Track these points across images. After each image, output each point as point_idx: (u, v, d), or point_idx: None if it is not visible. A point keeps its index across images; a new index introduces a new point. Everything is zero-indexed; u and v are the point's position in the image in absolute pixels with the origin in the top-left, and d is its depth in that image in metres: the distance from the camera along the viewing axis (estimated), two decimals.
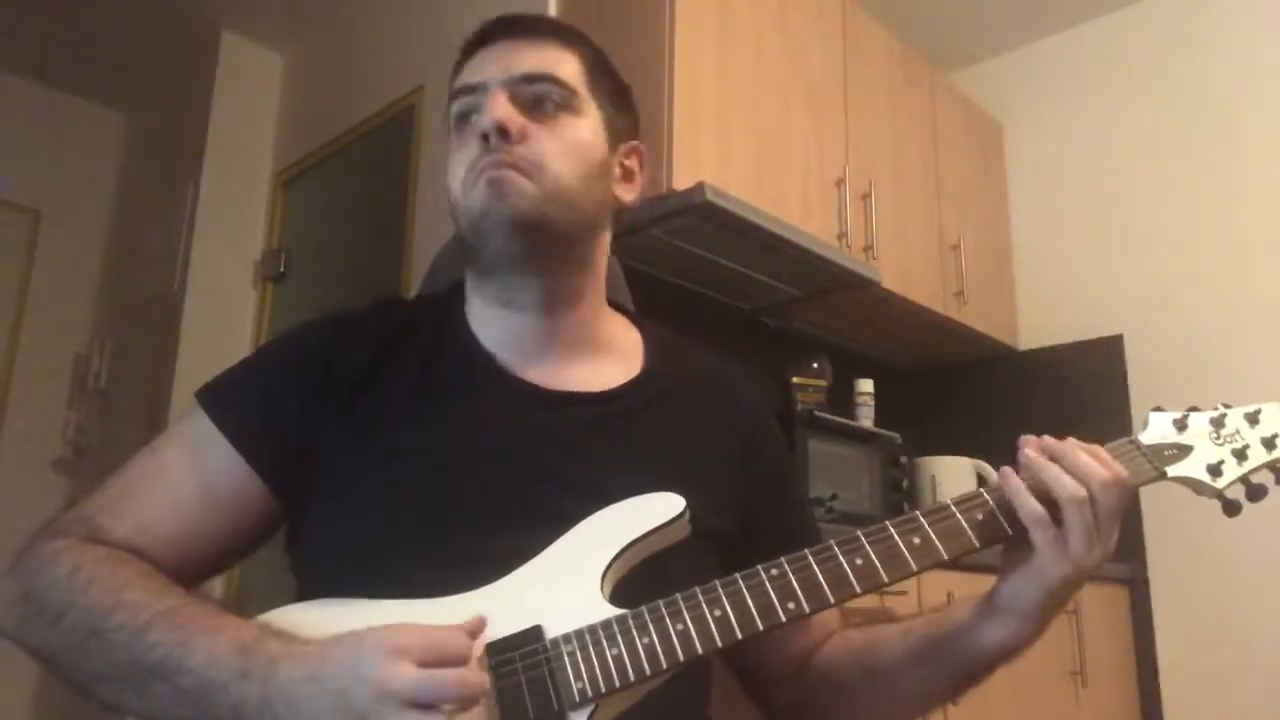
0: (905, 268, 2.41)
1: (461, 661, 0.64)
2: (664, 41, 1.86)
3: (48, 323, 3.19)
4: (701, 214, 1.82)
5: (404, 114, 2.48)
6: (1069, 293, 2.76)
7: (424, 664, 0.62)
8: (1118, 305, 2.64)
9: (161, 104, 3.24)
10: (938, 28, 2.87)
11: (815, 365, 2.44)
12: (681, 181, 1.78)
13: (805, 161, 2.16)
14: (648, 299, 1.16)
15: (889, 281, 2.28)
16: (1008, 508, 0.75)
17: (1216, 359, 2.44)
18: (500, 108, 0.81)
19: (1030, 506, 0.72)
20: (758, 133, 2.04)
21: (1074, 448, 0.74)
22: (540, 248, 0.83)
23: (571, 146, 0.84)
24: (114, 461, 2.77)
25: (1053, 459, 0.74)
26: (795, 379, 2.33)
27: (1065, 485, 0.72)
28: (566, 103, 0.85)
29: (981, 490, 0.77)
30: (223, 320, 2.78)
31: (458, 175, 0.84)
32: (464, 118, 0.86)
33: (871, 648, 0.88)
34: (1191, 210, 2.57)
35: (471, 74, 0.87)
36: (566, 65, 0.86)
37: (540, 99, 0.84)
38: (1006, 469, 0.75)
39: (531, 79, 0.84)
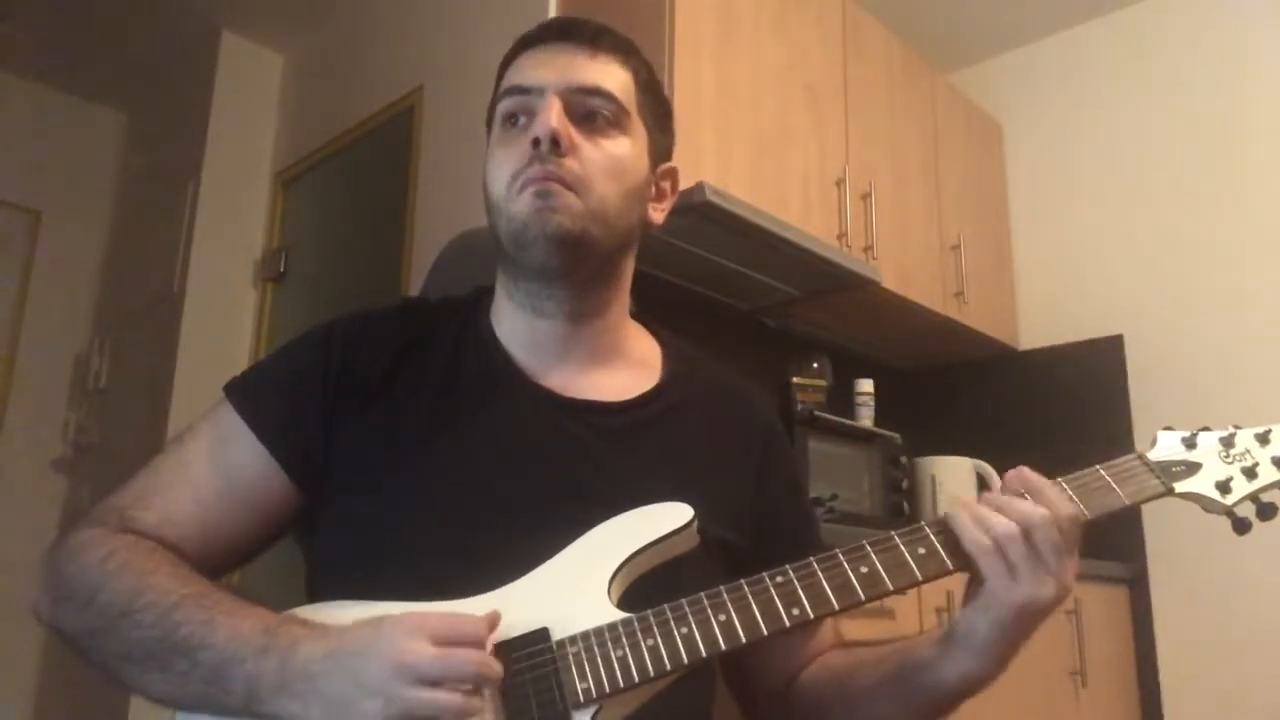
0: (905, 268, 2.41)
1: (477, 645, 0.65)
2: (664, 41, 1.85)
3: (48, 323, 3.19)
4: (701, 214, 1.82)
5: (404, 114, 2.48)
6: (1069, 293, 2.76)
7: (440, 644, 0.63)
8: (1118, 305, 2.64)
9: (161, 104, 3.24)
10: (938, 28, 2.87)
11: (815, 365, 2.44)
12: (681, 181, 1.78)
13: (805, 161, 2.16)
14: (647, 299, 1.16)
15: (889, 281, 2.29)
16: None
17: (1216, 359, 2.44)
18: (555, 117, 0.81)
19: (974, 536, 0.72)
20: (758, 133, 2.04)
21: (1013, 497, 0.74)
22: (577, 263, 0.83)
23: (618, 165, 0.85)
24: (114, 461, 2.76)
25: (994, 506, 0.74)
26: (795, 379, 2.33)
27: (996, 523, 0.72)
28: (617, 120, 0.86)
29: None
30: (223, 320, 2.78)
31: (501, 178, 0.84)
32: (512, 118, 0.85)
33: (849, 672, 0.88)
34: (1192, 210, 2.57)
35: (526, 74, 0.86)
36: (621, 82, 0.87)
37: (592, 113, 0.84)
38: (956, 510, 0.75)
39: (587, 91, 0.84)
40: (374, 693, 0.62)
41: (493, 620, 0.68)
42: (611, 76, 0.86)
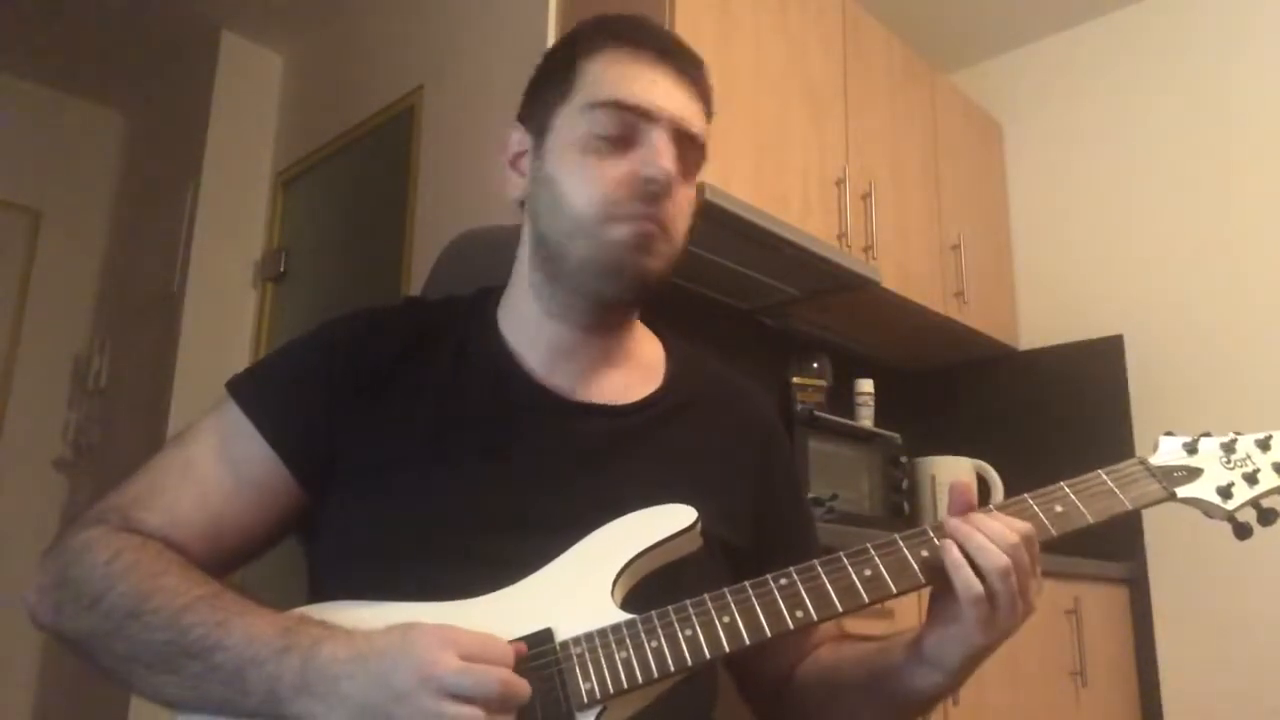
0: (905, 268, 2.41)
1: (505, 664, 0.65)
2: None
3: (48, 323, 3.19)
4: (701, 214, 1.82)
5: (404, 114, 2.48)
6: (1069, 293, 2.76)
7: (468, 659, 0.63)
8: (1118, 305, 2.65)
9: (161, 104, 3.24)
10: (938, 28, 2.87)
11: (815, 365, 2.44)
12: None
13: (805, 161, 2.16)
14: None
15: (889, 281, 2.29)
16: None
17: (1216, 359, 2.44)
18: (673, 162, 0.80)
19: (969, 581, 0.72)
20: (758, 133, 2.04)
21: (984, 521, 0.74)
22: (640, 297, 0.85)
23: (690, 211, 0.86)
24: (114, 461, 2.75)
25: (984, 533, 0.73)
26: (795, 379, 2.33)
27: (989, 559, 0.71)
28: (697, 167, 0.86)
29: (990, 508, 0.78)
30: (223, 320, 2.78)
31: (592, 199, 0.80)
32: (618, 138, 0.81)
33: (835, 668, 0.90)
34: (1191, 210, 2.57)
35: (638, 94, 0.81)
36: (705, 128, 0.86)
37: (685, 157, 0.84)
38: (948, 542, 0.74)
39: (690, 137, 0.83)
40: (399, 699, 0.62)
41: (518, 649, 0.67)
42: (703, 121, 0.85)
